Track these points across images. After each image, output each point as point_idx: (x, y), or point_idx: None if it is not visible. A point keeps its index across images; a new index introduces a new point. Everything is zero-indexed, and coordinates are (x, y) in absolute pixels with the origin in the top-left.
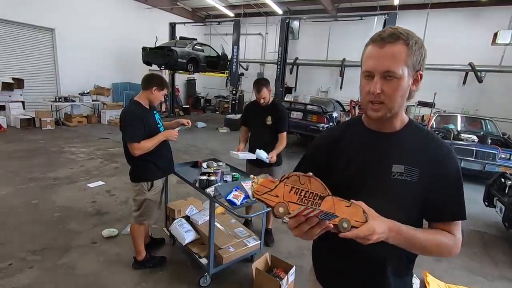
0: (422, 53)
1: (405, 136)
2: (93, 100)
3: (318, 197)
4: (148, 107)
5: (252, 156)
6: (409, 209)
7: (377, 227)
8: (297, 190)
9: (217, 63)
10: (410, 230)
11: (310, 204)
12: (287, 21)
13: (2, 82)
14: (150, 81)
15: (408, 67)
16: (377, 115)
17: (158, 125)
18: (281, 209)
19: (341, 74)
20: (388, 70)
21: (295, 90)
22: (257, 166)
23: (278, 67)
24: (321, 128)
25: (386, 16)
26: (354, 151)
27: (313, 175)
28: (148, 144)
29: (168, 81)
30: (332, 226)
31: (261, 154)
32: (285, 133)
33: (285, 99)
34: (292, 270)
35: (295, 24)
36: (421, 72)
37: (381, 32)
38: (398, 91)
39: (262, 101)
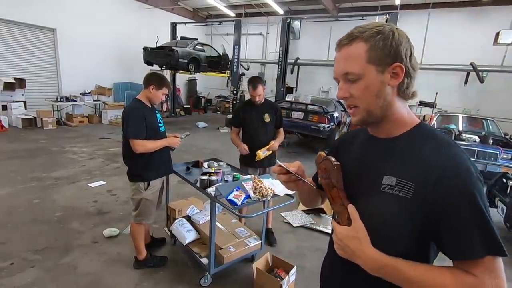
0: (393, 42)
1: (404, 143)
2: (94, 100)
3: (330, 183)
4: (149, 106)
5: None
6: (400, 228)
7: (344, 236)
8: (325, 167)
9: (218, 63)
10: (396, 261)
11: (321, 179)
12: (288, 21)
13: (4, 82)
14: (149, 80)
15: (373, 63)
16: (354, 120)
17: (160, 124)
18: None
19: None
20: (346, 72)
21: (296, 90)
22: (250, 166)
23: (279, 67)
24: (322, 128)
25: (387, 16)
26: (353, 157)
27: (340, 166)
28: (151, 145)
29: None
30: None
31: None
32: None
33: (286, 99)
34: (293, 270)
35: (296, 24)
36: (399, 64)
37: (342, 36)
38: (367, 91)
39: (257, 98)
